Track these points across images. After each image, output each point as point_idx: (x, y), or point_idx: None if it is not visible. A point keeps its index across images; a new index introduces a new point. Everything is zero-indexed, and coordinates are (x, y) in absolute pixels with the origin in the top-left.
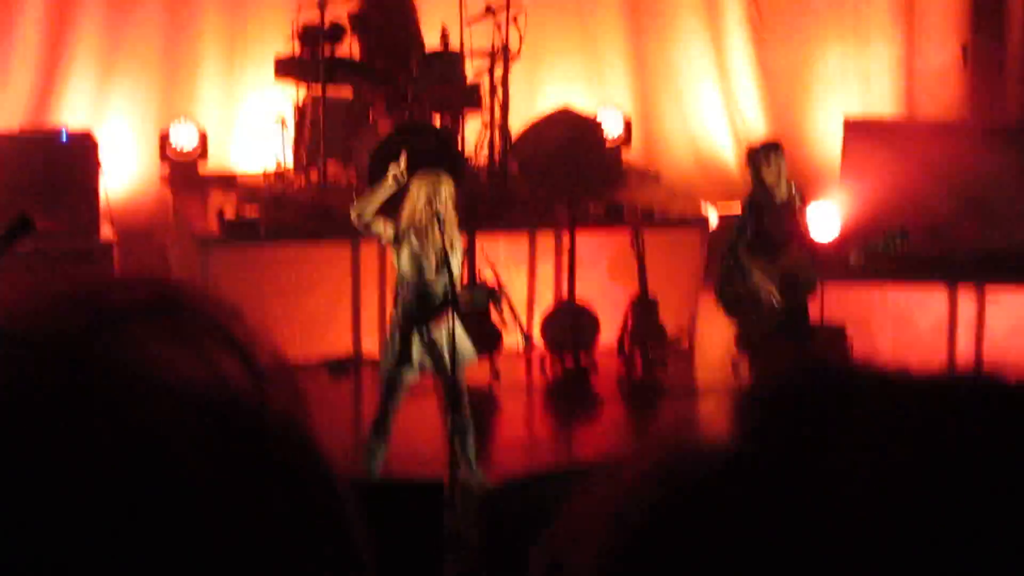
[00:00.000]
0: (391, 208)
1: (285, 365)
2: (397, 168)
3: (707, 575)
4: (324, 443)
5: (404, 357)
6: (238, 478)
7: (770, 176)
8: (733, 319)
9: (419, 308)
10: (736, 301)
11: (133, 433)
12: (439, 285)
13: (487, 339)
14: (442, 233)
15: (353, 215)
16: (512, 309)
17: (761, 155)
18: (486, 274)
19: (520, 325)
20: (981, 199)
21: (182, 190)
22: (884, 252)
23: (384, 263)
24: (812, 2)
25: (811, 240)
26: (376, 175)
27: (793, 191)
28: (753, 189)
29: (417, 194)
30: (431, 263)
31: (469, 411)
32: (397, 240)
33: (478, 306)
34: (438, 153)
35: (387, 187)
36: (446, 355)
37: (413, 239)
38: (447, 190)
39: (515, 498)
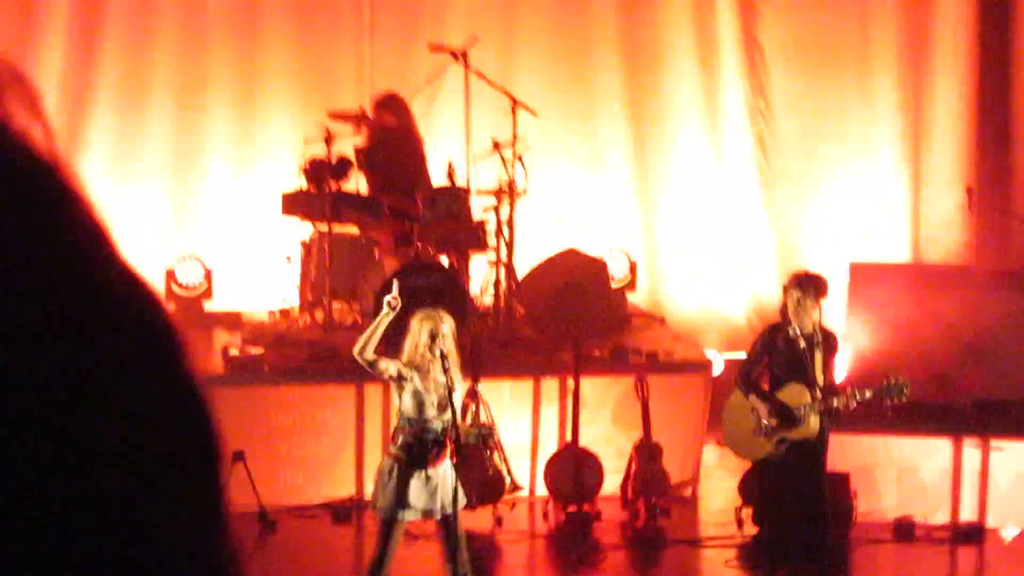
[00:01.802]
0: (392, 346)
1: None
2: (390, 294)
3: None
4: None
5: (402, 498)
6: None
7: (789, 307)
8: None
9: (419, 447)
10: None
11: None
12: (439, 424)
13: (491, 484)
14: (446, 371)
15: (355, 352)
16: (500, 449)
17: (788, 284)
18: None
19: (508, 467)
20: (985, 346)
21: (187, 328)
22: (872, 400)
23: (387, 405)
24: (819, 147)
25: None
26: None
27: (815, 330)
28: (781, 313)
29: (419, 330)
30: (434, 402)
31: (469, 557)
32: (400, 377)
33: (470, 444)
34: (443, 292)
35: (384, 317)
36: (444, 498)
37: (415, 377)
38: (449, 327)
39: None
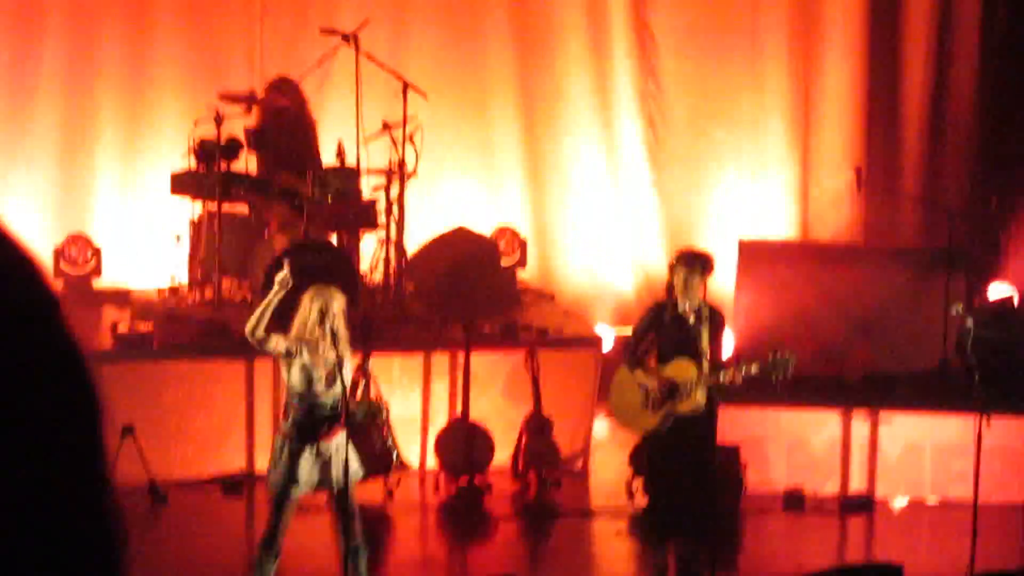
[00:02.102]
0: (282, 323)
1: None
2: (282, 273)
3: None
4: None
5: (293, 474)
6: None
7: (677, 284)
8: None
9: (309, 423)
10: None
11: None
12: (329, 399)
13: (381, 458)
14: (335, 347)
15: (247, 330)
16: (389, 426)
17: (675, 262)
18: (370, 390)
19: (394, 442)
20: (874, 321)
21: (75, 305)
22: (758, 376)
23: (277, 380)
24: (708, 126)
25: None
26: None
27: (702, 306)
28: (667, 291)
29: (309, 307)
30: (322, 377)
31: (362, 530)
32: (289, 354)
33: (359, 419)
34: (333, 270)
35: (275, 295)
36: (336, 472)
37: (304, 353)
38: (339, 304)
39: None
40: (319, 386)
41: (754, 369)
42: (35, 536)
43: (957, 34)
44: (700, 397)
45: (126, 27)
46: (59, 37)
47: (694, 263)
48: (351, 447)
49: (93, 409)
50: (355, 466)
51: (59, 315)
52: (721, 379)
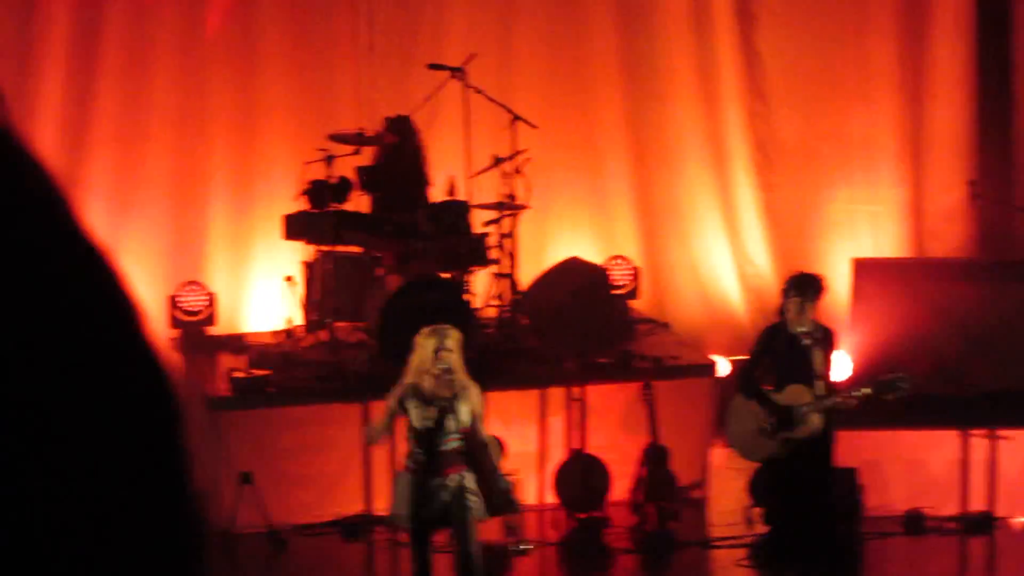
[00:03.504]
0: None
1: None
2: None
3: None
4: None
5: (416, 508)
6: None
7: (790, 309)
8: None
9: (429, 459)
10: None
11: None
12: (446, 435)
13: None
14: (451, 383)
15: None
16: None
17: (787, 286)
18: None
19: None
20: (991, 337)
21: (191, 352)
22: (871, 397)
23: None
24: (820, 146)
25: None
26: (386, 331)
27: (815, 329)
28: (780, 313)
29: (424, 345)
30: (435, 414)
31: (481, 567)
32: (401, 406)
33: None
34: (447, 307)
35: (388, 410)
36: (459, 509)
37: (422, 390)
38: (453, 340)
39: None
40: (434, 422)
41: (867, 391)
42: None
43: None
44: (816, 421)
45: (235, 69)
46: (168, 81)
47: (806, 287)
48: (474, 485)
49: (172, 414)
50: (478, 505)
51: (135, 316)
52: (836, 401)
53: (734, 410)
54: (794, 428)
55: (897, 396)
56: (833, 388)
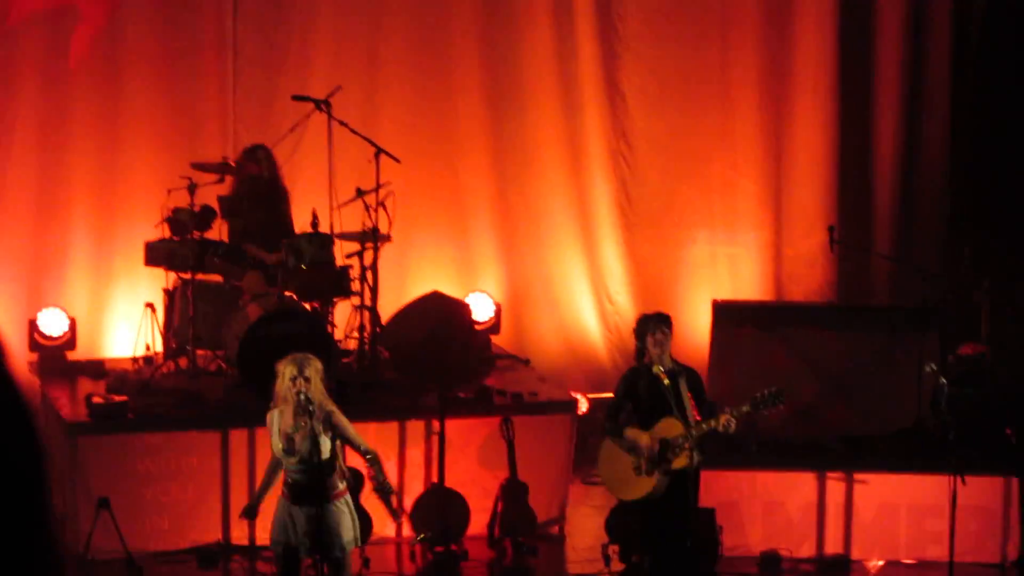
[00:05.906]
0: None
1: None
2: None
3: None
4: None
5: (289, 532)
6: None
7: (649, 347)
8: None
9: (299, 486)
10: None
11: None
12: (308, 464)
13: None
14: (307, 412)
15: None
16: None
17: (640, 327)
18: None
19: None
20: (848, 382)
21: (50, 376)
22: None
23: (254, 450)
24: (681, 188)
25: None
26: (246, 360)
27: (675, 366)
28: (637, 357)
29: (283, 373)
30: (297, 441)
31: None
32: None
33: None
34: (308, 338)
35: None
36: (330, 536)
37: (286, 418)
38: (312, 369)
39: None
40: (295, 450)
41: (745, 409)
42: None
43: (927, 92)
44: (691, 452)
45: (99, 96)
46: (31, 110)
47: (658, 323)
48: (350, 513)
49: (36, 451)
50: (351, 534)
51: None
52: (717, 427)
53: (605, 453)
54: (671, 460)
55: (774, 409)
56: (709, 413)
